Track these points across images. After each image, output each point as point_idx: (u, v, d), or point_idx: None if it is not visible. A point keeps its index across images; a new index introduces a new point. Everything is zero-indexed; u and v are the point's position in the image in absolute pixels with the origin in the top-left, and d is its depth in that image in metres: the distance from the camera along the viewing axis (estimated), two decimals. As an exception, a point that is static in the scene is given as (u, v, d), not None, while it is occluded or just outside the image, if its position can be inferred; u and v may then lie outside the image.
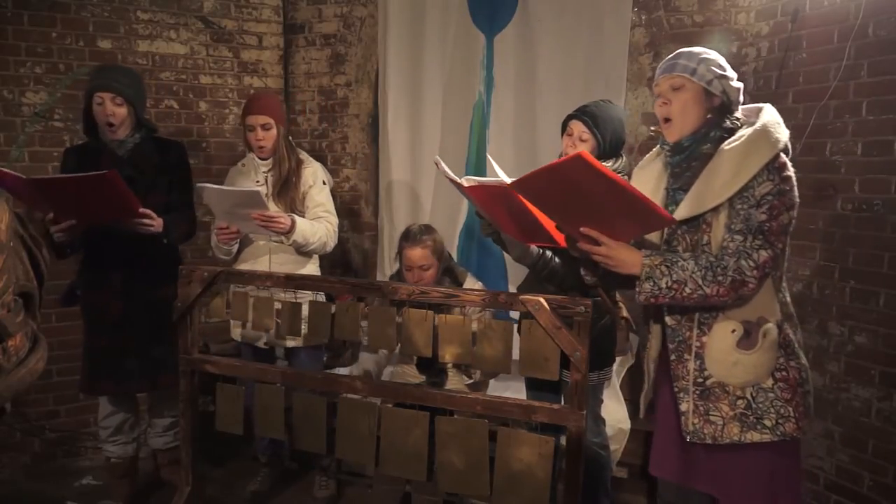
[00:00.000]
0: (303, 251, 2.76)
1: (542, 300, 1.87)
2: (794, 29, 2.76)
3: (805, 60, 2.76)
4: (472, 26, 3.48)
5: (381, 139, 3.77)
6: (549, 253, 2.23)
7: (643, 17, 3.24)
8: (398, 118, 3.69)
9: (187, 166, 2.80)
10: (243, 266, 2.82)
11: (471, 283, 2.82)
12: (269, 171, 2.81)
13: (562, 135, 2.41)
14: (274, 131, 2.76)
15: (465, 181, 1.93)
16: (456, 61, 3.56)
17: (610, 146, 2.33)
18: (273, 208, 2.71)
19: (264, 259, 2.80)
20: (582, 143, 2.31)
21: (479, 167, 3.56)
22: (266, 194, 2.75)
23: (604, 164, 2.33)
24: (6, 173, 2.22)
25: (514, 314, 2.63)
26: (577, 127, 2.31)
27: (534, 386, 2.51)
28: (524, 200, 1.77)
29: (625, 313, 2.45)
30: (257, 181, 2.81)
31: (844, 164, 2.62)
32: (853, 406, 2.62)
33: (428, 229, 2.83)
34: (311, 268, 2.90)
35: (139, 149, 2.61)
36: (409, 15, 3.59)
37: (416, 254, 2.70)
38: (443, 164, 2.06)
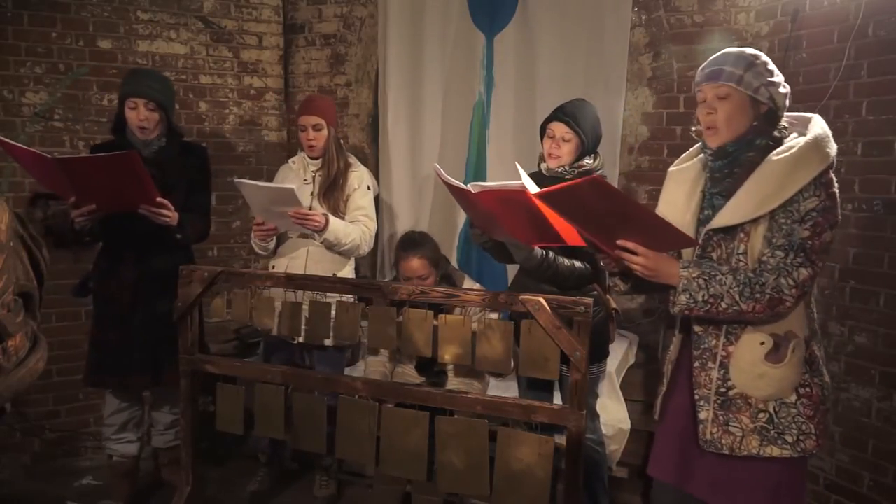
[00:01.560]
0: (334, 251, 2.75)
1: (542, 300, 1.86)
2: (794, 29, 2.77)
3: (805, 60, 2.76)
4: (472, 26, 3.49)
5: (381, 139, 3.77)
6: (552, 254, 2.22)
7: (643, 17, 3.24)
8: (398, 118, 3.69)
9: (208, 170, 2.83)
10: (281, 261, 2.82)
11: (469, 286, 2.82)
12: (318, 170, 2.83)
13: (541, 138, 2.41)
14: (325, 132, 2.79)
15: (472, 187, 1.91)
16: (456, 61, 3.56)
17: (591, 144, 2.34)
18: (317, 208, 2.73)
19: (302, 253, 2.80)
20: (565, 143, 2.31)
21: (479, 167, 3.56)
22: (312, 193, 2.78)
23: (584, 161, 2.34)
24: (33, 153, 2.26)
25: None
26: (559, 128, 2.31)
27: (527, 383, 2.51)
28: (536, 202, 1.76)
29: (613, 304, 2.46)
30: (305, 179, 2.83)
31: (844, 164, 2.62)
32: (853, 406, 2.62)
33: (424, 237, 2.83)
34: (348, 270, 2.89)
35: (164, 151, 2.66)
36: (409, 15, 3.59)
37: (414, 265, 2.69)
38: (443, 172, 2.04)
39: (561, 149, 2.32)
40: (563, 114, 2.32)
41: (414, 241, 2.78)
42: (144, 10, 3.47)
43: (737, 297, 1.61)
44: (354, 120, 3.88)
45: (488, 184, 1.89)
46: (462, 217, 3.60)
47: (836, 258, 2.66)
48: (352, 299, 2.61)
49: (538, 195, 1.69)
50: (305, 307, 2.37)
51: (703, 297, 1.63)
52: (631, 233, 1.66)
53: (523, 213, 1.85)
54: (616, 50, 3.24)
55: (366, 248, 2.83)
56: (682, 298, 1.65)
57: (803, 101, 2.73)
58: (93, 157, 2.26)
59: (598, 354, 2.44)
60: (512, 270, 3.33)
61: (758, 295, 1.60)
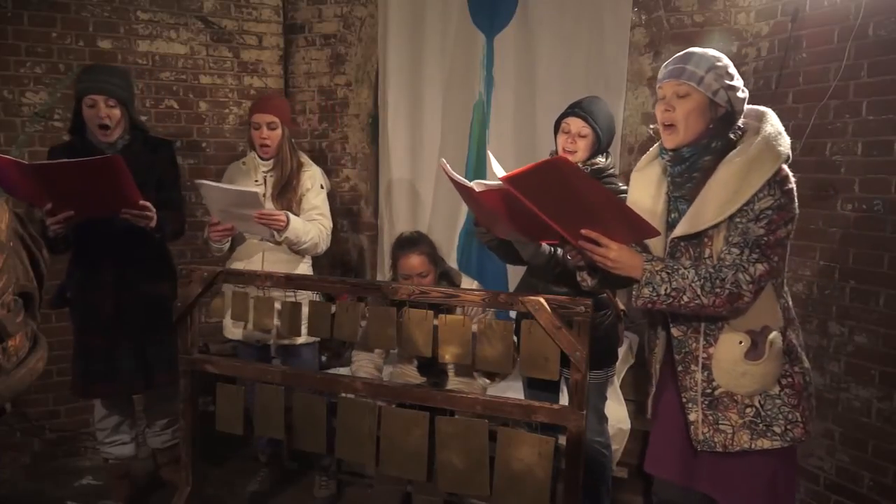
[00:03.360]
0: (294, 249, 2.76)
1: (542, 300, 1.87)
2: (794, 29, 2.76)
3: (805, 60, 2.76)
4: (472, 26, 3.49)
5: (381, 139, 3.77)
6: (560, 251, 2.22)
7: (643, 17, 3.24)
8: (398, 118, 3.69)
9: (176, 164, 2.79)
10: (237, 264, 2.83)
11: (467, 284, 2.82)
12: (270, 171, 2.81)
13: (555, 133, 2.39)
14: (279, 131, 2.77)
15: (476, 185, 1.91)
16: (456, 61, 3.56)
17: (606, 141, 2.33)
18: (270, 209, 2.70)
19: (257, 258, 2.80)
20: (581, 138, 2.29)
21: (479, 167, 3.57)
22: (264, 194, 2.76)
23: (597, 159, 2.33)
24: (6, 160, 2.17)
25: (511, 314, 2.62)
26: (576, 123, 2.29)
27: (532, 384, 2.51)
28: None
29: (621, 305, 2.45)
30: (256, 181, 2.80)
31: (844, 164, 2.62)
32: (853, 406, 2.62)
33: (421, 236, 2.82)
34: (304, 267, 2.89)
35: (128, 148, 2.57)
36: (409, 15, 3.59)
37: (414, 262, 2.69)
38: (449, 167, 2.03)
39: (576, 144, 2.29)
40: (580, 109, 2.29)
41: (412, 240, 2.78)
42: (144, 10, 3.47)
43: (698, 291, 1.63)
44: (354, 120, 3.88)
45: (491, 182, 1.88)
46: (462, 217, 3.60)
47: (836, 258, 2.66)
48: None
49: (505, 179, 1.68)
50: (278, 305, 2.39)
51: (666, 290, 1.66)
52: (595, 222, 1.67)
53: (525, 210, 1.85)
54: (616, 50, 3.24)
55: (323, 246, 2.83)
56: (646, 291, 1.67)
57: (803, 101, 2.74)
58: (72, 163, 2.15)
59: (609, 359, 2.43)
60: (512, 270, 3.33)
61: (718, 290, 1.62)
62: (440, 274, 2.79)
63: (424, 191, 3.73)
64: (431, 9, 3.55)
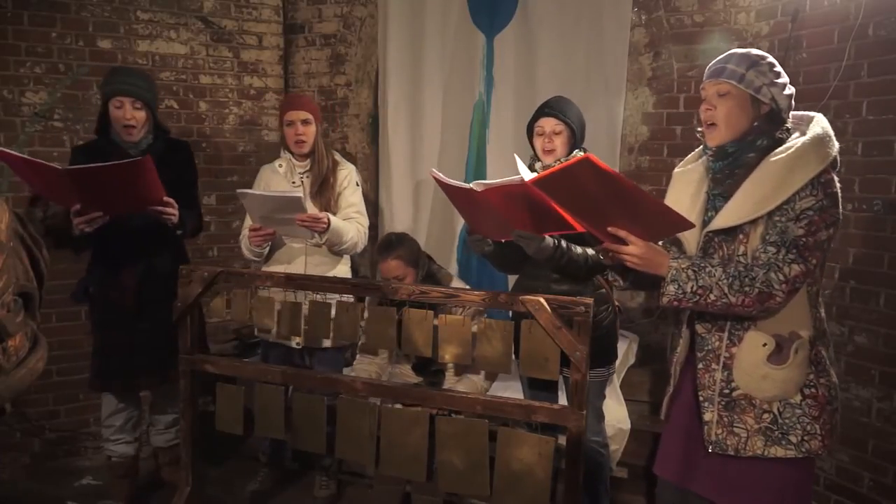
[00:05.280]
0: (335, 250, 2.77)
1: (542, 300, 1.87)
2: (794, 29, 2.77)
3: (805, 60, 2.76)
4: (472, 26, 3.49)
5: (381, 139, 3.77)
6: (564, 242, 2.22)
7: (643, 17, 3.24)
8: (398, 118, 3.70)
9: (194, 165, 2.83)
10: (278, 268, 2.78)
11: (456, 284, 2.82)
12: (307, 171, 2.82)
13: (529, 138, 2.41)
14: (313, 127, 2.78)
15: (476, 185, 1.90)
16: (456, 61, 3.56)
17: (580, 135, 2.36)
18: (309, 208, 2.72)
19: (300, 261, 2.80)
20: (556, 136, 2.32)
21: (479, 167, 3.57)
22: (303, 195, 2.76)
23: (576, 153, 2.34)
24: (36, 163, 2.21)
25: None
26: (549, 123, 2.32)
27: (531, 384, 2.51)
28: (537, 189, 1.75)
29: (616, 302, 2.46)
30: (293, 182, 2.81)
31: (844, 164, 2.58)
32: (853, 406, 2.62)
33: (400, 239, 2.84)
34: (343, 269, 2.90)
35: (151, 149, 2.62)
36: (409, 15, 3.59)
37: (389, 266, 2.72)
38: (441, 175, 2.03)
39: (554, 142, 2.32)
40: (550, 108, 2.34)
41: (389, 243, 2.80)
42: (144, 10, 3.47)
43: (725, 290, 1.61)
44: (354, 120, 3.88)
45: (490, 181, 1.88)
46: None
47: (836, 258, 2.66)
48: (351, 299, 2.62)
49: (533, 182, 1.68)
50: (305, 307, 2.37)
51: (692, 287, 1.63)
52: (626, 219, 1.65)
53: (529, 204, 1.85)
54: (616, 50, 3.24)
55: (361, 245, 2.84)
56: (671, 288, 1.65)
57: (803, 101, 2.72)
58: (106, 167, 2.21)
59: (609, 357, 2.43)
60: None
61: (747, 288, 1.59)
62: (427, 275, 2.80)
63: (424, 191, 3.73)
64: (431, 9, 3.55)
